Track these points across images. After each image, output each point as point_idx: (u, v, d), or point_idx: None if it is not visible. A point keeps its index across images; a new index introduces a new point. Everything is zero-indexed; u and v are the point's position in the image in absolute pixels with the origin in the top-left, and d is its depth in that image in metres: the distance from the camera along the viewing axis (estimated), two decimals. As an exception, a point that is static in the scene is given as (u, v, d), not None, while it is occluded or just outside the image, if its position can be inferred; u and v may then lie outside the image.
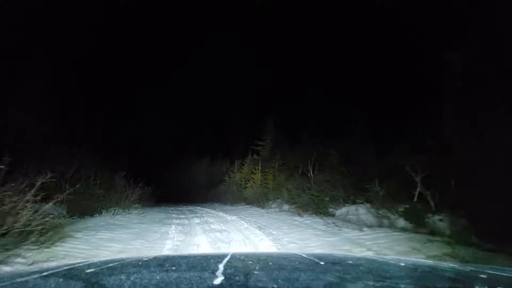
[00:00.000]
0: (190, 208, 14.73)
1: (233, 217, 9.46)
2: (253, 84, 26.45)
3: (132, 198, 8.76)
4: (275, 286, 0.75)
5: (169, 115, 33.27)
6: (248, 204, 14.93)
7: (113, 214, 8.00)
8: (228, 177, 20.63)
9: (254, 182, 15.31)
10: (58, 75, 14.20)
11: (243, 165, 21.41)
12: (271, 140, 20.67)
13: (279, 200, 13.22)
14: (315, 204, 10.35)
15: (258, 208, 12.77)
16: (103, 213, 8.10)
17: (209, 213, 11.49)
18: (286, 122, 19.44)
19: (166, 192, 32.42)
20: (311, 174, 13.37)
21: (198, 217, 9.61)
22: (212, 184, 24.05)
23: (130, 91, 27.64)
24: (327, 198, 10.38)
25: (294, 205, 11.55)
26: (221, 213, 11.01)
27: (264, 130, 21.51)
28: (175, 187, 29.91)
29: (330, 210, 9.89)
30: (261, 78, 25.61)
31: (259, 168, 15.63)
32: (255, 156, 20.02)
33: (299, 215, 9.49)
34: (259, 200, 13.60)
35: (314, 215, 9.37)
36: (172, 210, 12.58)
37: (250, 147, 21.57)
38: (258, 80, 25.79)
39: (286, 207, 11.61)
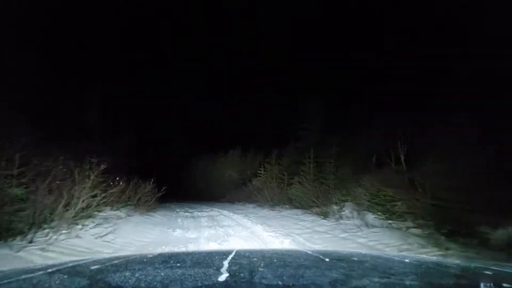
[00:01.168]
0: (212, 213, 10.25)
1: (287, 241, 4.74)
2: (289, 58, 21.54)
3: (78, 206, 4.33)
4: (280, 283, 0.75)
5: (190, 102, 29.44)
6: (296, 208, 10.15)
7: (30, 242, 3.63)
8: (264, 169, 15.96)
9: (305, 176, 10.45)
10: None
11: (281, 155, 16.66)
12: (320, 122, 15.66)
13: (350, 204, 8.29)
14: (443, 216, 5.35)
15: (317, 217, 7.92)
16: (21, 236, 3.79)
17: (238, 225, 6.90)
18: (339, 96, 14.51)
19: (183, 190, 28.71)
20: (403, 163, 8.30)
21: (218, 239, 5.04)
22: (243, 180, 19.61)
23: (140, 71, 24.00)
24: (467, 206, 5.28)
25: (385, 214, 6.61)
26: (259, 229, 6.33)
27: (307, 111, 16.58)
28: (196, 184, 26.08)
29: (485, 229, 4.84)
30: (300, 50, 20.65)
31: (312, 157, 10.72)
32: (300, 144, 15.35)
33: (432, 242, 4.50)
34: (316, 203, 8.77)
35: (466, 245, 4.35)
36: (181, 220, 8.11)
37: (293, 132, 16.91)
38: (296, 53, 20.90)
39: (371, 217, 6.66)
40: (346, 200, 8.68)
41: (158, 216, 7.96)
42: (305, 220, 7.60)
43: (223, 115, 29.40)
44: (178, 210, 11.28)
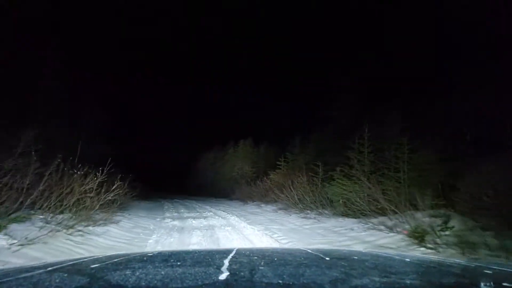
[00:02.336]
0: (214, 221, 6.79)
1: None
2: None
3: None
4: (281, 281, 0.74)
5: (195, 90, 26.48)
6: (343, 214, 6.56)
7: None
8: (285, 161, 12.41)
9: (355, 166, 6.79)
10: None
11: (307, 142, 13.07)
12: (353, 96, 11.95)
13: (458, 216, 4.69)
14: None
15: (402, 239, 4.31)
16: None
17: None
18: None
19: (185, 185, 25.65)
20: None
21: None
22: (256, 174, 16.15)
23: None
24: None
25: None
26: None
27: (340, 85, 12.92)
28: (202, 178, 22.90)
29: None
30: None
31: (366, 137, 7.03)
32: (330, 128, 11.88)
33: None
34: (390, 209, 5.15)
35: None
36: (155, 239, 4.60)
37: (318, 114, 13.39)
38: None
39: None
40: (439, 206, 5.07)
41: (116, 232, 4.52)
42: (382, 246, 4.00)
43: (231, 104, 26.46)
44: (167, 215, 7.87)
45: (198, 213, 8.43)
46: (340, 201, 7.10)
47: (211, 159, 23.44)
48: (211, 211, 9.07)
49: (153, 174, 31.55)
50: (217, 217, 7.52)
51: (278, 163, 12.41)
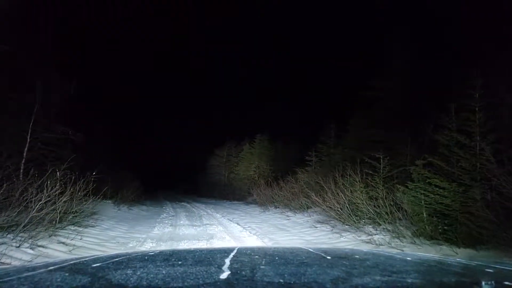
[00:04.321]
0: (225, 244, 4.12)
1: None
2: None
3: None
4: (282, 280, 0.73)
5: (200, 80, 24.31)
6: (449, 241, 3.77)
7: None
8: (316, 155, 9.65)
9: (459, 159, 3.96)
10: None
11: (340, 131, 10.23)
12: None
13: None
14: None
15: None
16: None
17: None
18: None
19: (195, 185, 23.33)
20: None
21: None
22: (275, 173, 13.48)
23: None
24: None
25: None
26: None
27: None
28: (215, 178, 20.48)
29: None
30: None
31: (476, 115, 4.17)
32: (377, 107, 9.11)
33: None
34: None
35: None
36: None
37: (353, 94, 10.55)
38: None
39: None
40: None
41: None
42: None
43: (244, 94, 24.11)
44: (154, 233, 5.30)
45: (201, 229, 5.84)
46: (424, 214, 4.34)
47: (224, 156, 21.02)
48: (221, 224, 6.47)
49: (165, 175, 29.59)
50: (228, 237, 4.88)
51: (308, 157, 9.68)
